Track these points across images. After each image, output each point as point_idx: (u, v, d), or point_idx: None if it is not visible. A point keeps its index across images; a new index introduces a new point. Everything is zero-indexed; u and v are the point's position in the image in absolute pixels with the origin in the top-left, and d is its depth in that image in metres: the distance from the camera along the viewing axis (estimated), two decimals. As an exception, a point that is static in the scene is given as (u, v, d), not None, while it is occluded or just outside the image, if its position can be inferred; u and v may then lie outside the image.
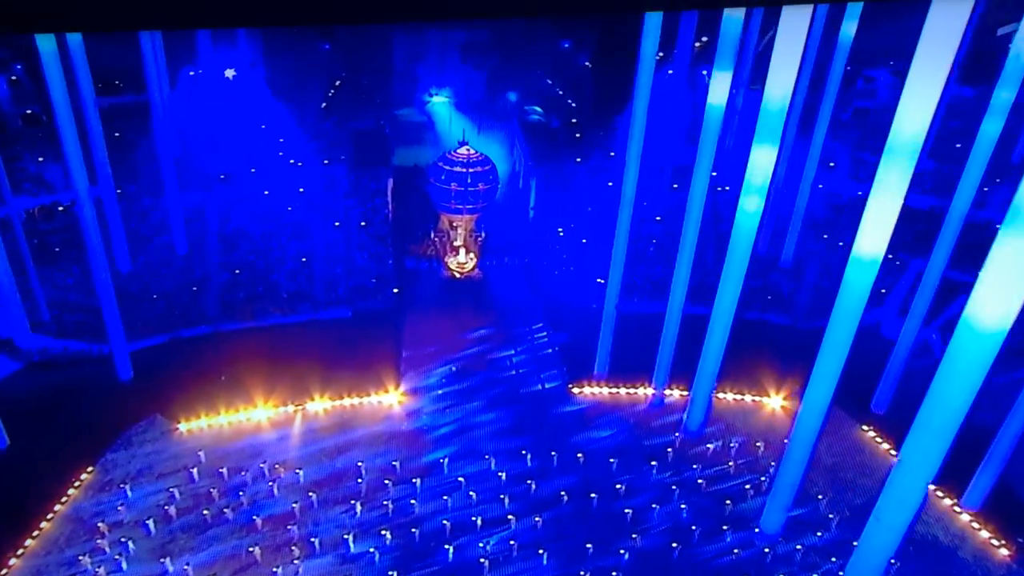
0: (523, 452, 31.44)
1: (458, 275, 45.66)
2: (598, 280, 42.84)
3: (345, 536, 26.89)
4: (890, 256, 40.72)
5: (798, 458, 26.18)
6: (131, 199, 45.84)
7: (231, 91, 51.89)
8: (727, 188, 41.91)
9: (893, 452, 31.80)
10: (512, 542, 26.95)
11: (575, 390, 35.91)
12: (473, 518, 27.96)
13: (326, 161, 50.98)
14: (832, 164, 48.09)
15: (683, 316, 32.80)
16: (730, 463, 31.12)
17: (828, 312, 41.10)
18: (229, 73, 52.18)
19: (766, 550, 26.98)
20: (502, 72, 62.88)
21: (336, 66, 64.10)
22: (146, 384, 34.83)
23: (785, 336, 39.71)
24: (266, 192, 47.96)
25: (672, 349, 33.91)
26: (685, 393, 35.24)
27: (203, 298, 41.33)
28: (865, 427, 33.19)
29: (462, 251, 45.73)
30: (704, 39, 50.02)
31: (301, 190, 48.34)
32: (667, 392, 35.16)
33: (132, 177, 45.98)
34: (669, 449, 31.78)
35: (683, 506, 28.98)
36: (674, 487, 29.78)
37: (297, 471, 29.92)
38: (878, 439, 32.69)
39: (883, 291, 41.26)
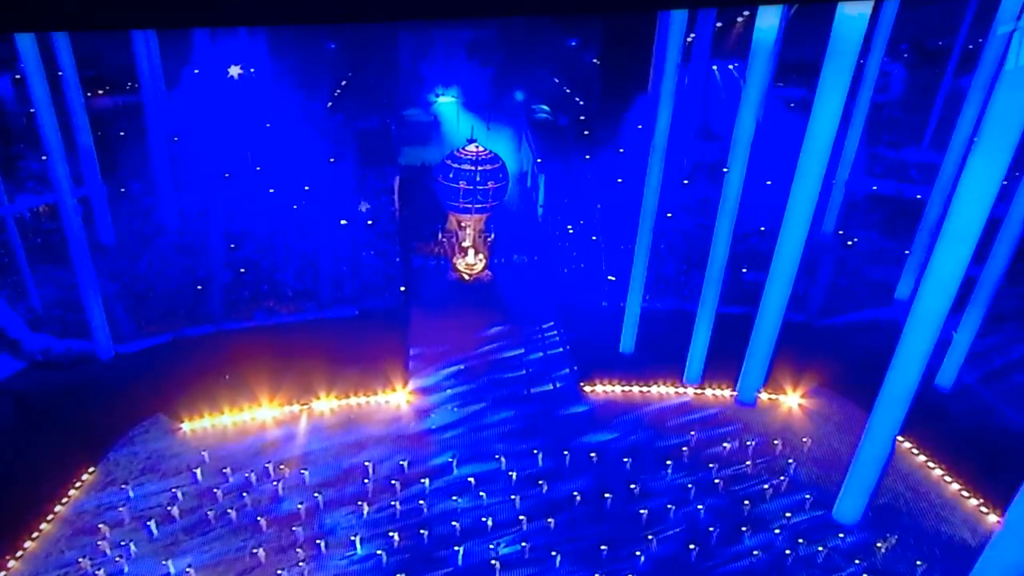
0: (534, 452, 30.67)
1: (467, 277, 44.79)
2: (609, 278, 42.16)
3: (352, 538, 26.16)
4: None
5: (882, 439, 25.53)
6: (133, 198, 45.47)
7: (235, 90, 51.44)
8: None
9: (915, 451, 30.94)
10: (524, 544, 26.15)
11: (587, 388, 35.13)
12: (483, 519, 27.19)
13: (332, 159, 50.48)
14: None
15: (689, 313, 32.19)
16: (748, 463, 30.29)
17: (841, 309, 40.61)
18: (234, 71, 51.71)
19: (787, 552, 26.14)
20: (509, 70, 62.26)
21: (342, 65, 63.68)
22: (149, 383, 34.10)
23: (799, 333, 38.74)
24: (271, 190, 47.43)
25: (705, 346, 33.32)
26: (699, 392, 34.62)
27: (207, 297, 40.73)
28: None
29: (471, 252, 44.85)
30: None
31: (307, 188, 47.79)
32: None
33: (133, 175, 45.61)
34: (684, 448, 30.93)
35: (700, 507, 28.16)
36: (690, 486, 28.97)
37: (302, 471, 29.22)
38: (899, 437, 31.64)
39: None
